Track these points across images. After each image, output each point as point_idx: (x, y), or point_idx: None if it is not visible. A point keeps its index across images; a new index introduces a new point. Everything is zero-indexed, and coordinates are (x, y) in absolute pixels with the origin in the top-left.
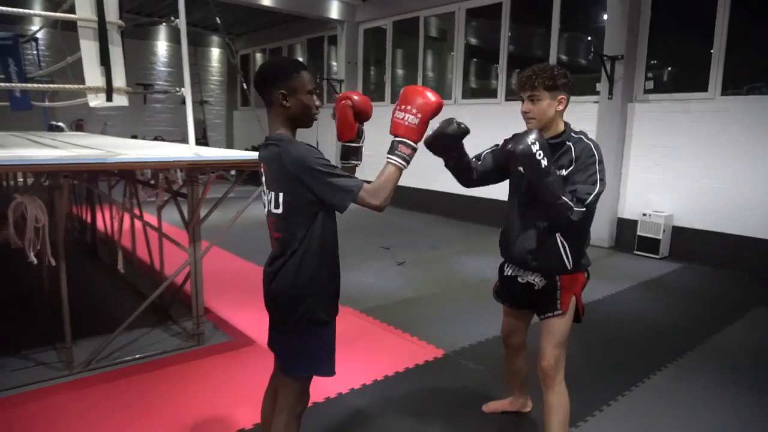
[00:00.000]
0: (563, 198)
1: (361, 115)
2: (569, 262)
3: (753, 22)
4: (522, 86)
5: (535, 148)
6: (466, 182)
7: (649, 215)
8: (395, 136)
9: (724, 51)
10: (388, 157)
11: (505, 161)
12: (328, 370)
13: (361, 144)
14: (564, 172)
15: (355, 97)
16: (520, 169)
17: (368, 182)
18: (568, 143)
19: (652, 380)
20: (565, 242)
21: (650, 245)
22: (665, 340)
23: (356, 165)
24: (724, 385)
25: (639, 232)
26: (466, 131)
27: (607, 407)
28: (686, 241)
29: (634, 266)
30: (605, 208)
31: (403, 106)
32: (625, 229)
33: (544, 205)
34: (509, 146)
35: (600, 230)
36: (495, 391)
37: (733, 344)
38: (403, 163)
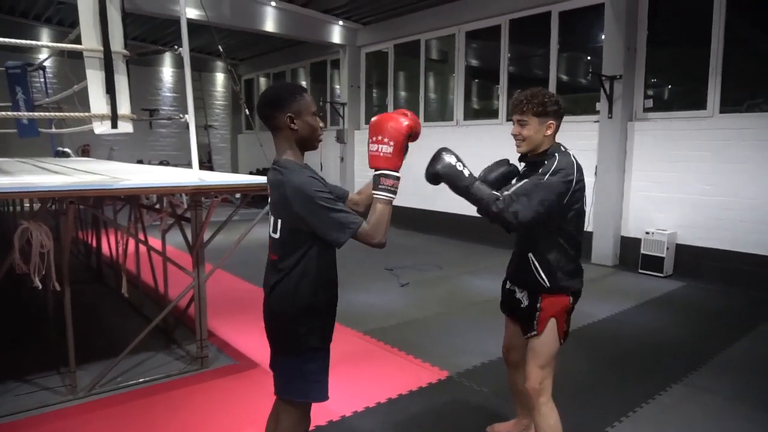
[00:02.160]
0: (490, 194)
1: (413, 138)
2: (545, 282)
3: (750, 37)
4: (513, 109)
5: (453, 161)
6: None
7: (652, 233)
8: (375, 170)
9: (721, 68)
10: (374, 194)
11: (435, 184)
12: (321, 395)
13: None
14: None
15: (410, 115)
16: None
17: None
18: (545, 161)
19: (661, 398)
20: (536, 261)
21: (654, 263)
22: (673, 357)
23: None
24: (733, 403)
25: (643, 251)
26: (515, 172)
27: (611, 428)
28: (690, 259)
29: (639, 285)
30: (608, 228)
31: (374, 138)
32: (628, 247)
33: (477, 211)
34: (429, 169)
35: (603, 249)
36: (499, 413)
37: (741, 361)
38: (391, 195)
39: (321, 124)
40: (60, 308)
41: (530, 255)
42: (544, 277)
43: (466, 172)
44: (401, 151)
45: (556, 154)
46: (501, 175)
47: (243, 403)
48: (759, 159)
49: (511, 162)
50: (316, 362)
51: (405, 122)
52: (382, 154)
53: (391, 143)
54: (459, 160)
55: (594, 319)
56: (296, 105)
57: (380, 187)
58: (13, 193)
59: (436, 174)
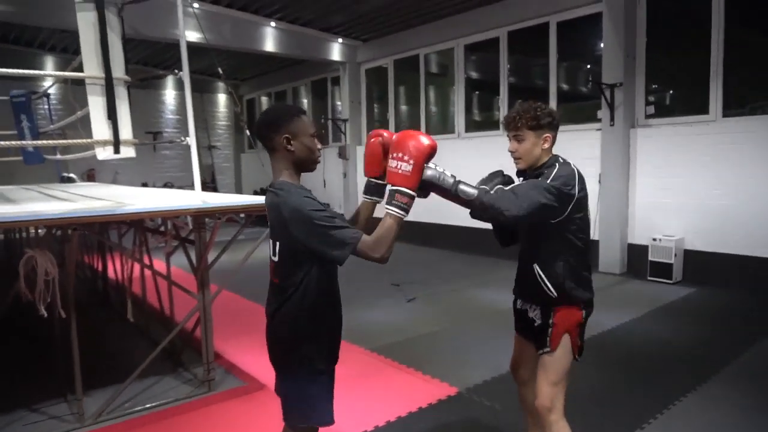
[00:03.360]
0: (479, 188)
1: None
2: (552, 292)
3: (750, 39)
4: (507, 126)
5: (433, 167)
6: (502, 241)
7: (660, 240)
8: (392, 186)
9: (722, 71)
10: (386, 208)
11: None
12: (326, 419)
13: (386, 182)
14: None
15: (386, 134)
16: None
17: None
18: (544, 171)
19: (675, 408)
20: (540, 272)
21: (663, 270)
22: (685, 366)
23: (377, 202)
24: (749, 411)
25: (650, 258)
26: (510, 182)
27: None
28: (699, 265)
29: (648, 292)
30: (614, 235)
31: (394, 154)
32: (635, 255)
33: (472, 211)
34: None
35: (610, 257)
36: (510, 429)
37: (755, 367)
38: (402, 212)
39: (319, 146)
40: (66, 335)
41: (535, 266)
42: (550, 287)
43: (449, 173)
44: (420, 170)
45: (555, 164)
46: (496, 185)
47: (251, 425)
48: (765, 161)
49: (505, 173)
50: (319, 385)
51: (428, 142)
52: (401, 171)
53: (411, 162)
54: (437, 166)
55: (604, 329)
56: (293, 126)
57: (394, 202)
58: (18, 222)
59: (421, 182)
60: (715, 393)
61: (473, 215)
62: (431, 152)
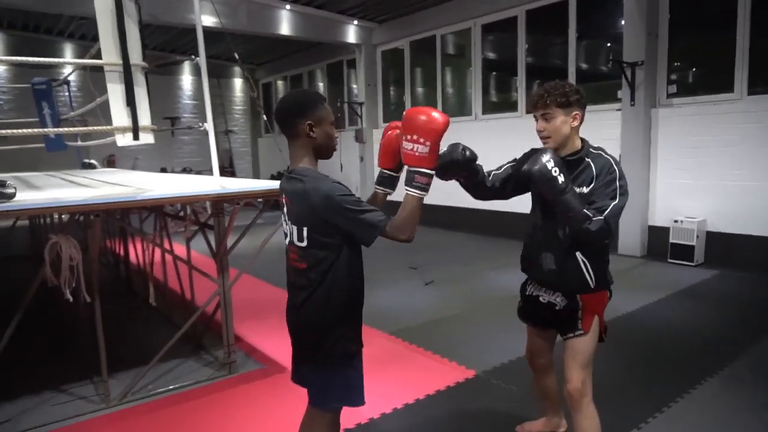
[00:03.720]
0: (582, 210)
1: None
2: (592, 281)
3: None
4: (534, 105)
5: (551, 165)
6: (478, 195)
7: (681, 221)
8: (409, 167)
9: (749, 48)
10: (406, 189)
11: (524, 180)
12: (360, 400)
13: (398, 175)
14: (585, 190)
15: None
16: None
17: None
18: (587, 159)
19: (695, 393)
20: (586, 260)
21: (684, 252)
22: (706, 350)
23: (388, 193)
24: None
25: (672, 240)
26: (472, 158)
27: (646, 424)
28: (722, 247)
29: (669, 275)
30: (635, 217)
31: (409, 136)
32: (656, 237)
33: (564, 221)
34: (525, 167)
35: (631, 239)
36: (528, 412)
37: None
38: (422, 192)
39: (337, 135)
40: (91, 319)
41: (578, 254)
42: (592, 275)
43: (561, 179)
44: (437, 150)
45: (605, 156)
46: (458, 161)
47: (272, 407)
48: None
49: (464, 146)
50: (354, 367)
51: (441, 119)
52: (417, 153)
53: (428, 144)
54: (556, 164)
55: (623, 312)
56: (317, 113)
57: (414, 183)
58: (42, 208)
59: (529, 174)
60: (737, 377)
61: (563, 217)
62: (445, 129)
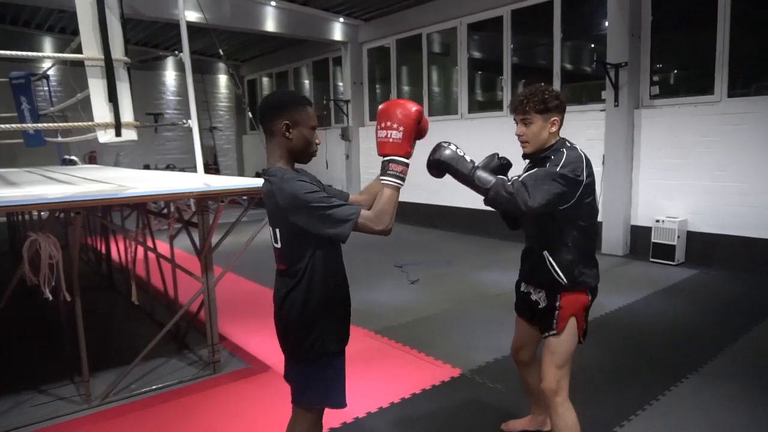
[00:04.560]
0: (499, 182)
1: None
2: (562, 278)
3: (757, 19)
4: (514, 110)
5: (454, 147)
6: (514, 225)
7: (663, 221)
8: (384, 156)
9: (728, 51)
10: (381, 180)
11: (441, 175)
12: (339, 402)
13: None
14: None
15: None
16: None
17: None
18: (551, 156)
19: (677, 389)
20: (551, 258)
21: (665, 252)
22: (688, 347)
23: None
24: (750, 392)
25: (653, 239)
26: (508, 165)
27: (628, 422)
28: (702, 246)
29: (651, 274)
30: (618, 216)
31: (383, 124)
32: (639, 236)
33: (485, 198)
34: (431, 160)
35: (614, 239)
36: (513, 410)
37: (756, 349)
38: (399, 182)
39: (317, 141)
40: (72, 317)
41: (545, 253)
42: (561, 274)
43: (468, 158)
44: (411, 137)
45: (563, 149)
46: (494, 168)
47: (256, 406)
48: None
49: (500, 155)
50: (333, 368)
51: (414, 108)
52: (391, 140)
53: (401, 129)
54: (458, 149)
55: (607, 310)
56: (296, 114)
57: (389, 172)
58: (20, 206)
59: (438, 162)
60: (717, 373)
61: (487, 203)
62: (418, 117)
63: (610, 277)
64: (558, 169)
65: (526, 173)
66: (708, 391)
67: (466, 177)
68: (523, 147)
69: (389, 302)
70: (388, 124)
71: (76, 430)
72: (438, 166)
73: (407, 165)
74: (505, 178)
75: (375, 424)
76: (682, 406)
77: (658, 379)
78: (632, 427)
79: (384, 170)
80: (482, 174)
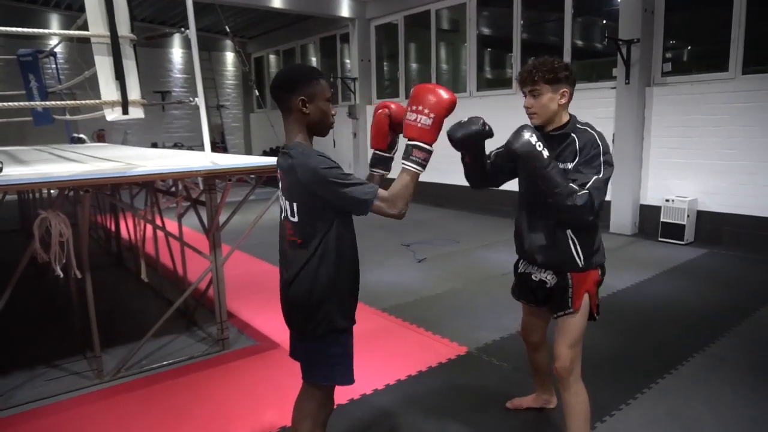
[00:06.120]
0: (567, 185)
1: (398, 127)
2: (580, 260)
3: None
4: (523, 81)
5: (534, 140)
6: (476, 183)
7: (672, 200)
8: (409, 139)
9: (744, 27)
10: (403, 163)
11: (512, 161)
12: (347, 379)
13: (391, 155)
14: (569, 165)
15: (393, 107)
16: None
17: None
18: (572, 135)
19: (682, 369)
20: (575, 238)
21: (675, 231)
22: (694, 327)
23: (383, 175)
24: (755, 373)
25: (662, 218)
26: (489, 134)
27: (634, 400)
28: (712, 226)
29: (659, 253)
30: (627, 196)
31: (414, 107)
32: (648, 215)
33: (550, 197)
34: (509, 145)
35: (622, 218)
36: (519, 388)
37: (763, 330)
38: (419, 168)
39: (333, 112)
40: (83, 294)
41: (569, 232)
42: (581, 254)
43: (545, 154)
44: (439, 126)
45: (589, 129)
46: (473, 134)
47: (265, 383)
48: None
49: (484, 122)
50: (341, 345)
51: (447, 96)
52: (420, 125)
53: (432, 116)
54: (539, 139)
55: (613, 290)
56: (310, 89)
57: (411, 158)
58: (30, 183)
59: (513, 150)
60: (721, 354)
61: (548, 194)
62: (451, 107)
63: (618, 257)
64: (603, 166)
65: (586, 178)
66: (711, 373)
67: (537, 174)
68: (531, 119)
69: (396, 281)
70: (420, 108)
71: (89, 405)
72: (512, 155)
73: (431, 153)
74: (575, 188)
75: (381, 401)
76: (685, 388)
77: (662, 359)
78: (636, 407)
79: (407, 154)
80: (553, 175)
